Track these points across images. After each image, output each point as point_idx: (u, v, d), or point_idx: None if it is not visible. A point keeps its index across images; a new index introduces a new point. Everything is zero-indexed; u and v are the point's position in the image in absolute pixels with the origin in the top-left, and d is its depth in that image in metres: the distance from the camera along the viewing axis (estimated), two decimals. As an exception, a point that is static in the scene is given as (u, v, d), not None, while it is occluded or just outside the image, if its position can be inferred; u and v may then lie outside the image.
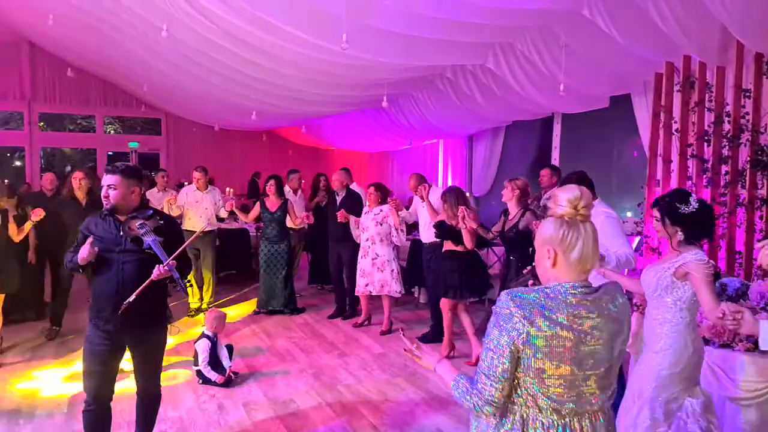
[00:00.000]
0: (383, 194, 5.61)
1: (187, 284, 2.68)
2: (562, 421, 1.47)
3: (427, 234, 5.43)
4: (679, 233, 2.36)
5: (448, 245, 4.75)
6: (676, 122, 5.05)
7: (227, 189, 7.30)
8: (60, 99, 10.52)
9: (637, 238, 5.48)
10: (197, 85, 6.68)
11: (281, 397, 3.95)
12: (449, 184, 9.56)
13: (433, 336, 5.20)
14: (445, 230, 4.71)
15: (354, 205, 5.92)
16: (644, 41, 4.66)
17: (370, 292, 5.55)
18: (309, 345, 5.14)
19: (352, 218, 5.70)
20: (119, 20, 5.84)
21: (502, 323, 1.44)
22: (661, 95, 5.14)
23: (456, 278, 4.59)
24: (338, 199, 6.01)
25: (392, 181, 10.69)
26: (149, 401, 2.94)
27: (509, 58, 5.69)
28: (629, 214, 6.35)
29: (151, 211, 2.77)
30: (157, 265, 2.58)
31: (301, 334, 5.50)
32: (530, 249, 4.17)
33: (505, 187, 4.32)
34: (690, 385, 2.39)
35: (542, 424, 1.47)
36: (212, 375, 4.09)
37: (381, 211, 5.51)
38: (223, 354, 4.25)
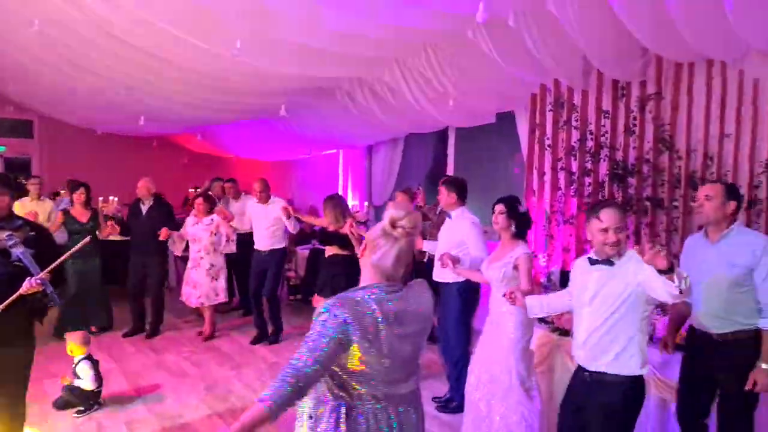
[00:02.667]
0: (211, 204, 5.62)
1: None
2: (378, 406, 1.65)
3: (262, 242, 5.52)
4: (513, 226, 3.05)
5: (332, 249, 4.85)
6: (548, 138, 5.58)
7: (111, 198, 6.86)
8: None
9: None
10: (75, 86, 6.20)
11: (169, 412, 3.81)
12: (350, 193, 9.73)
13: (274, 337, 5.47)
14: (330, 236, 4.81)
15: (163, 215, 5.68)
16: (521, 64, 5.10)
17: (202, 303, 5.52)
18: (201, 359, 4.98)
19: (174, 234, 5.52)
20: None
21: (327, 322, 1.58)
22: (536, 114, 5.66)
23: (343, 281, 4.64)
24: (144, 208, 5.72)
25: (293, 191, 10.63)
26: (8, 427, 2.71)
27: (404, 72, 5.94)
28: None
29: (21, 222, 2.61)
30: (27, 278, 2.43)
31: (192, 347, 5.31)
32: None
33: (397, 197, 4.59)
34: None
35: (362, 411, 1.63)
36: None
37: (212, 221, 5.51)
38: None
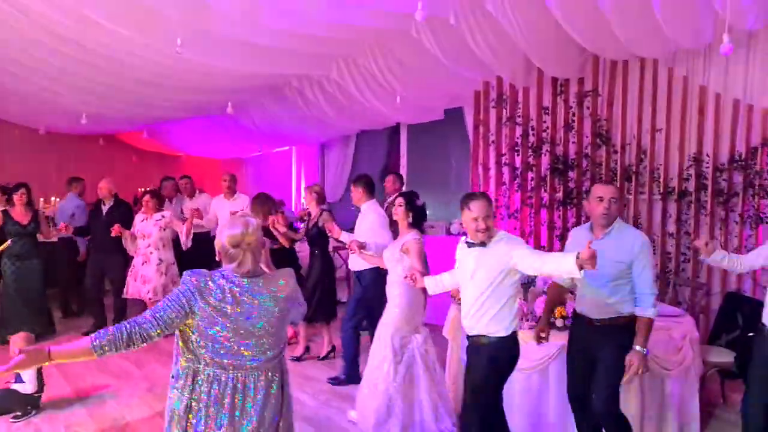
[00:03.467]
0: (160, 201, 5.62)
1: None
2: (225, 374, 1.85)
3: None
4: (409, 217, 3.42)
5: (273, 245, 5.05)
6: (492, 134, 5.71)
7: (52, 199, 6.63)
8: None
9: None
10: (14, 84, 5.97)
11: (110, 414, 3.75)
12: (303, 190, 9.71)
13: None
14: (265, 232, 4.95)
15: (123, 214, 5.68)
16: (464, 62, 5.21)
17: (150, 298, 5.46)
18: (145, 359, 4.89)
19: (126, 232, 5.46)
20: None
21: (181, 291, 1.82)
22: (480, 110, 5.78)
23: None
24: (104, 209, 5.70)
25: (247, 188, 10.52)
26: None
27: (351, 70, 5.97)
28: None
29: None
30: None
31: (136, 349, 5.22)
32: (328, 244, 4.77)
33: (305, 194, 4.92)
34: (416, 326, 3.44)
35: (207, 375, 1.84)
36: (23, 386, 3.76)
37: (163, 217, 5.52)
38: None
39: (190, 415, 1.83)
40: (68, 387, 4.25)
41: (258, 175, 10.41)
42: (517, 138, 5.59)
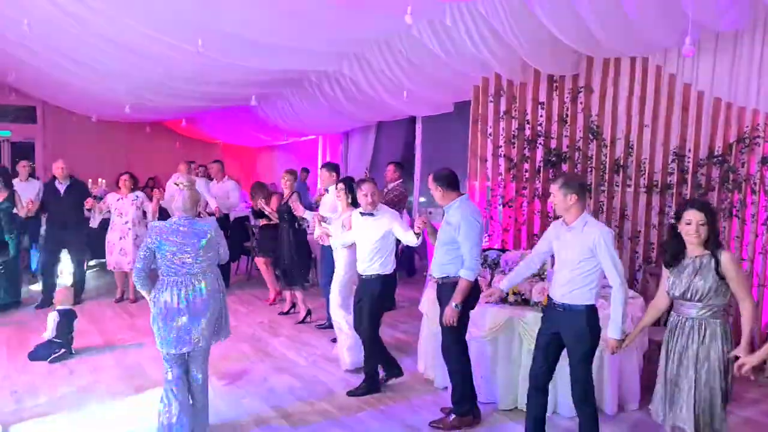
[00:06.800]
0: (135, 182, 6.34)
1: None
2: (176, 279, 3.08)
3: None
4: (349, 198, 4.39)
5: (263, 221, 6.16)
6: (490, 127, 6.04)
7: (99, 180, 7.41)
8: None
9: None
10: (66, 76, 6.77)
11: (131, 363, 4.43)
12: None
13: None
14: (261, 212, 6.03)
15: (81, 192, 6.20)
16: (463, 60, 5.55)
17: (131, 269, 5.96)
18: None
19: (98, 205, 6.18)
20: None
21: (145, 241, 3.12)
22: (479, 105, 6.11)
23: (269, 243, 6.10)
24: (61, 187, 6.14)
25: (277, 173, 11.18)
26: None
27: (363, 66, 6.41)
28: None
29: None
30: None
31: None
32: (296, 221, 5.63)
33: (282, 177, 5.88)
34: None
35: (167, 281, 3.09)
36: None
37: (137, 197, 6.23)
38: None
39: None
40: (101, 340, 4.98)
41: (288, 161, 11.05)
42: (514, 131, 5.89)
